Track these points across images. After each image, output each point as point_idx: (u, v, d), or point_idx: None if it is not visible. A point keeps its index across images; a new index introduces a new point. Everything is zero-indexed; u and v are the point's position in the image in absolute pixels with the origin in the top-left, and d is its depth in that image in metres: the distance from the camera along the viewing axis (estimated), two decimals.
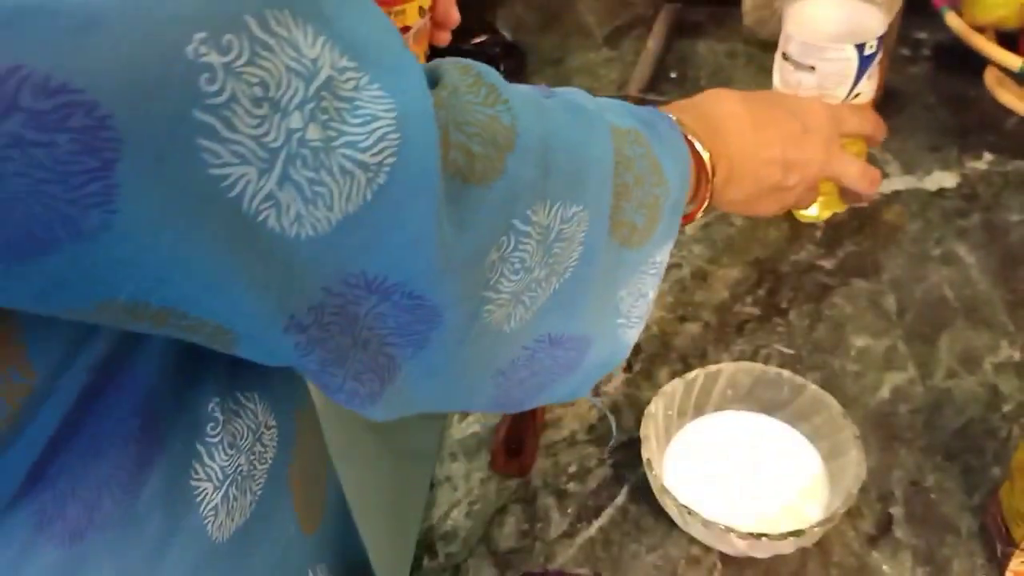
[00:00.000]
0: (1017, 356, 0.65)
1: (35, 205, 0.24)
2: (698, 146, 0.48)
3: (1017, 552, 0.50)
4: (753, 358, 0.65)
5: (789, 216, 0.77)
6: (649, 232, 0.44)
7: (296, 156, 0.29)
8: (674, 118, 0.48)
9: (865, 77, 0.69)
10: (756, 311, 0.69)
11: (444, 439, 0.62)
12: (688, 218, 0.50)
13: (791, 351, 0.66)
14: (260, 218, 0.29)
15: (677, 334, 0.68)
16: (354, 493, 0.66)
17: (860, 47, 0.67)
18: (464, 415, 0.63)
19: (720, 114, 0.52)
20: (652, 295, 0.47)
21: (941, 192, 0.79)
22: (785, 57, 0.70)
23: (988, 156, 0.82)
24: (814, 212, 0.76)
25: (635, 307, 0.47)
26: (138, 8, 0.25)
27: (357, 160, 0.30)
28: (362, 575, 0.59)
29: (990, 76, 0.89)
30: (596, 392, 0.64)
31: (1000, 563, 0.52)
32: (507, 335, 0.40)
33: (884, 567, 0.53)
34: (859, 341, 0.66)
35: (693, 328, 0.68)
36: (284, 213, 0.29)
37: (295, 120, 0.29)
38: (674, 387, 0.57)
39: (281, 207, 0.29)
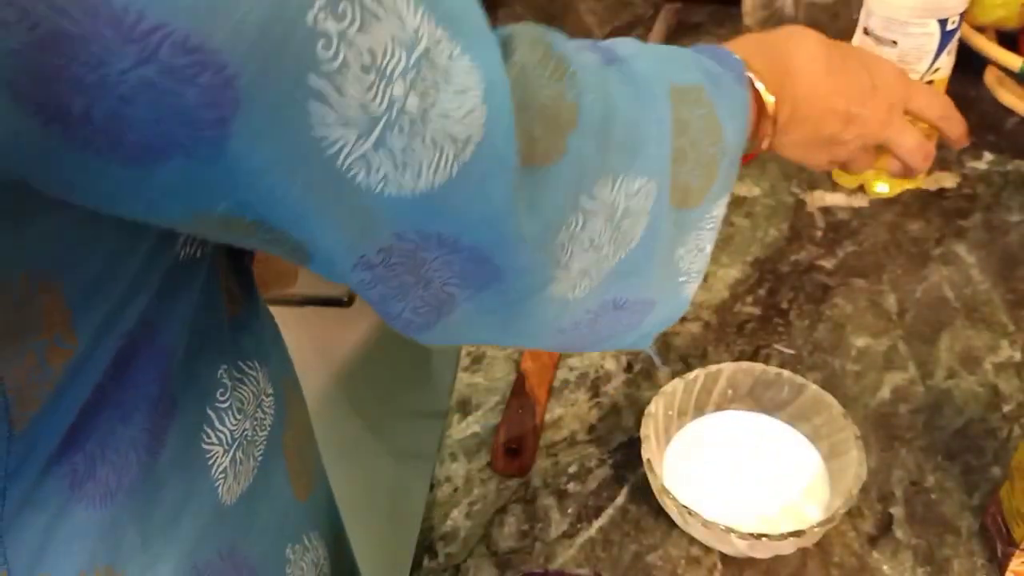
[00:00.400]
0: (1017, 356, 0.65)
1: (155, 128, 0.26)
2: (765, 95, 0.49)
3: (1018, 552, 0.50)
4: (753, 358, 0.65)
5: (791, 215, 0.77)
6: (704, 191, 0.45)
7: (394, 123, 0.30)
8: (744, 60, 0.48)
9: (945, 52, 0.70)
10: (756, 311, 0.69)
11: (444, 439, 0.62)
12: (749, 157, 0.50)
13: (791, 351, 0.66)
14: (350, 174, 0.30)
15: (677, 334, 0.68)
16: (354, 493, 0.66)
17: (943, 22, 0.68)
18: (464, 415, 0.63)
19: (797, 53, 0.52)
20: (709, 249, 0.48)
21: (941, 192, 0.79)
22: (866, 32, 0.71)
23: (988, 156, 0.82)
24: (885, 189, 0.77)
25: (694, 263, 0.48)
26: None
27: (448, 132, 0.31)
28: (345, 547, 0.61)
29: (990, 76, 0.89)
30: (596, 393, 0.64)
31: (1000, 563, 0.52)
32: (570, 302, 0.41)
33: (884, 567, 0.53)
34: (859, 341, 0.66)
35: (693, 328, 0.68)
36: (374, 172, 0.31)
37: (398, 88, 0.30)
38: (674, 387, 0.57)
39: (372, 167, 0.31)
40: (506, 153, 0.33)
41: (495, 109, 0.32)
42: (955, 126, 0.60)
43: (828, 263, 0.73)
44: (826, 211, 0.77)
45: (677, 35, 1.00)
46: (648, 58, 0.44)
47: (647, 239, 0.42)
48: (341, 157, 0.30)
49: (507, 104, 0.33)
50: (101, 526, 0.37)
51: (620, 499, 0.57)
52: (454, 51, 0.31)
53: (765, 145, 0.51)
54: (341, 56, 0.28)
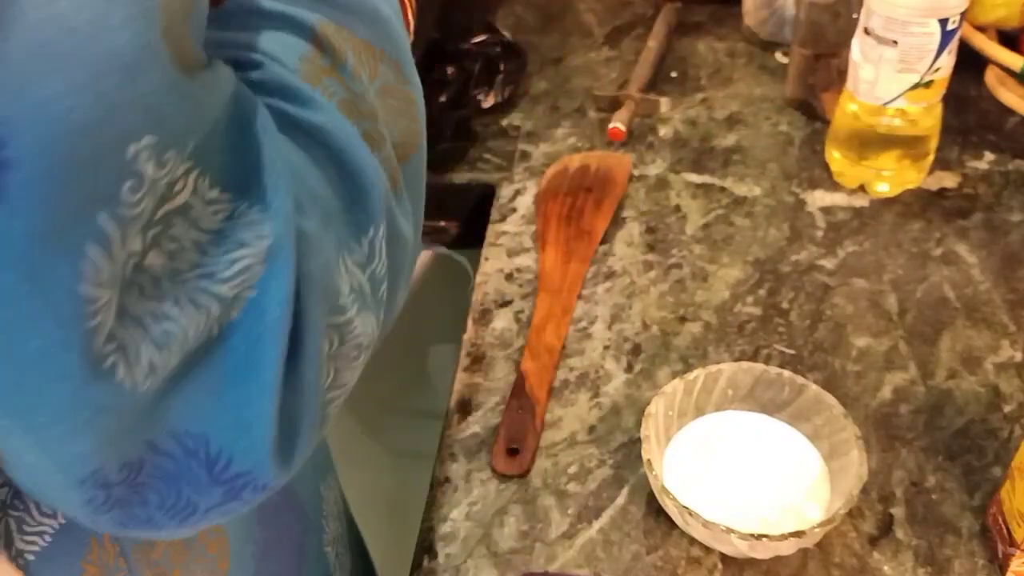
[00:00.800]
0: (1018, 356, 0.64)
1: None
2: None
3: (1019, 553, 0.50)
4: (754, 358, 0.65)
5: (792, 215, 0.77)
6: (413, 125, 0.38)
7: (133, 284, 0.25)
8: None
9: (946, 52, 0.70)
10: (757, 311, 0.69)
11: (444, 439, 0.62)
12: None
13: (792, 351, 0.66)
14: (107, 364, 0.25)
15: (677, 334, 0.67)
16: (354, 493, 0.66)
17: (943, 22, 0.68)
18: (464, 415, 0.63)
19: None
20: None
21: (942, 192, 0.79)
22: (866, 31, 0.71)
23: (989, 156, 0.82)
24: (885, 188, 0.77)
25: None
26: (107, 74, 0.22)
27: (214, 292, 0.27)
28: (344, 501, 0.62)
29: (991, 76, 0.89)
30: (596, 393, 0.64)
31: (1001, 564, 0.52)
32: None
33: (885, 568, 0.53)
34: (860, 341, 0.66)
35: (693, 328, 0.68)
36: (136, 362, 0.25)
37: (135, 243, 0.25)
38: (674, 387, 0.57)
39: (128, 352, 0.25)
40: (282, 321, 0.28)
41: (277, 270, 0.28)
42: None
43: (828, 263, 0.73)
44: (826, 211, 0.77)
45: (677, 35, 0.99)
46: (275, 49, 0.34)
47: (399, 270, 0.36)
48: (100, 336, 0.24)
49: (290, 264, 0.28)
50: None
51: (620, 499, 0.57)
52: (238, 209, 0.27)
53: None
54: (142, 205, 0.24)
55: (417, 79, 0.39)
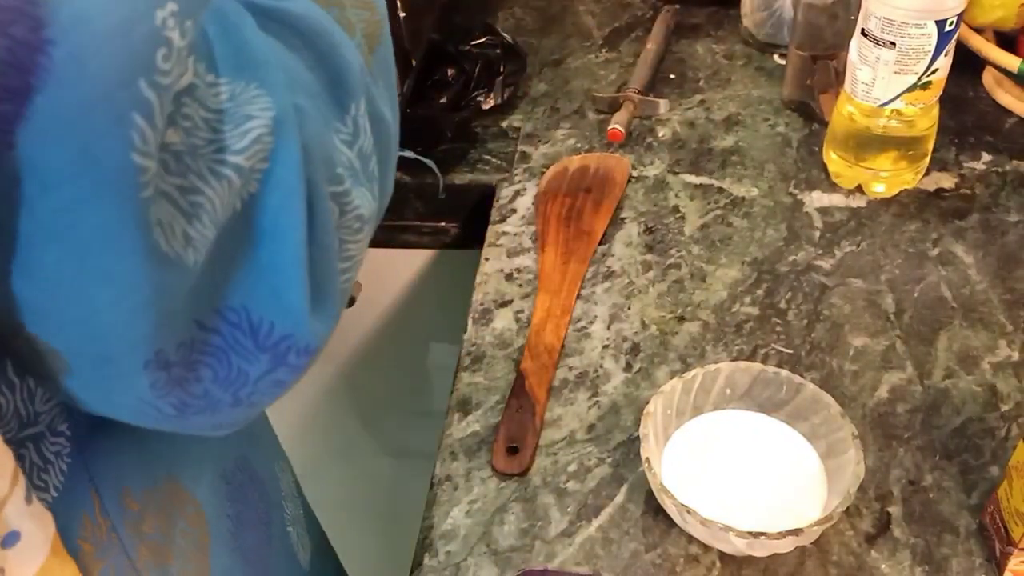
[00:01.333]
0: (1015, 356, 0.65)
1: None
2: None
3: (1016, 552, 0.50)
4: (751, 358, 0.65)
5: (789, 215, 0.77)
6: (375, 17, 0.39)
7: (160, 162, 0.25)
8: None
9: (943, 54, 0.70)
10: (754, 311, 0.69)
11: (444, 438, 0.62)
12: None
13: (789, 351, 0.66)
14: (154, 236, 0.25)
15: (676, 334, 0.68)
16: (354, 492, 0.66)
17: (941, 23, 0.69)
18: (464, 414, 0.63)
19: None
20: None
21: (939, 192, 0.79)
22: (864, 34, 0.72)
23: (986, 156, 0.82)
24: (882, 189, 0.77)
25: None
26: None
27: (232, 163, 0.27)
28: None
29: (988, 77, 0.89)
30: (595, 392, 0.64)
31: (998, 563, 0.52)
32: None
33: (883, 566, 0.53)
34: (857, 341, 0.66)
35: (692, 328, 0.68)
36: (168, 230, 0.26)
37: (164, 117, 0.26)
38: (673, 386, 0.58)
39: (164, 226, 0.26)
40: (298, 191, 0.29)
41: (284, 142, 0.29)
42: None
43: (826, 263, 0.73)
44: (824, 211, 0.78)
45: (676, 37, 1.00)
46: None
47: (382, 133, 0.37)
48: (151, 210, 0.25)
49: (295, 133, 0.29)
50: (163, 439, 0.38)
51: (619, 498, 0.58)
52: (236, 88, 0.28)
53: None
54: (172, 76, 0.24)
55: None
